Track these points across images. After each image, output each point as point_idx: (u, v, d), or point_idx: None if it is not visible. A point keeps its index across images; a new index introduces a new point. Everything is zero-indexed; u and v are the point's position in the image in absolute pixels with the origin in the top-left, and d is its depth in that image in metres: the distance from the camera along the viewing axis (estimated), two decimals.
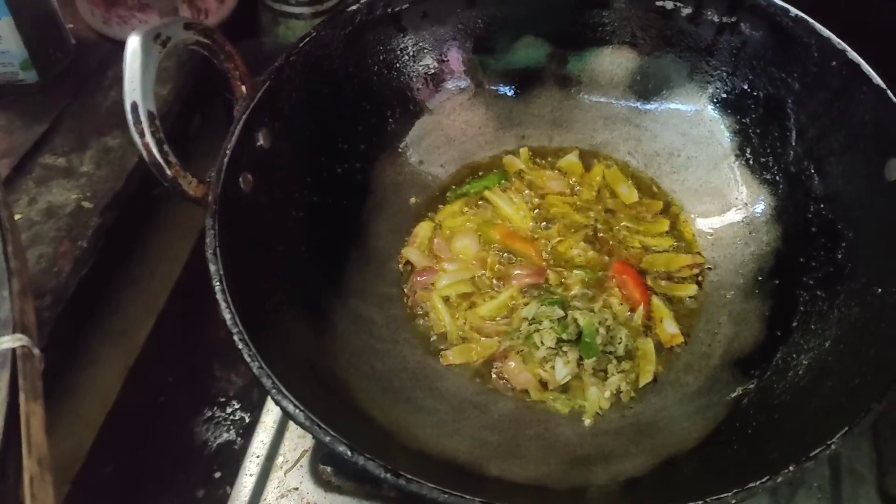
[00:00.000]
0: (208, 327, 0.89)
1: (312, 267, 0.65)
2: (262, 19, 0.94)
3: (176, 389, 0.87)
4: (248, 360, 0.49)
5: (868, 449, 0.66)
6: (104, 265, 0.77)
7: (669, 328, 0.66)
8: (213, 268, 0.53)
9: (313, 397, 0.49)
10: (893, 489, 0.64)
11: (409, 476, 0.45)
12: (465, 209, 0.74)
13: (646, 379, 0.64)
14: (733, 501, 0.44)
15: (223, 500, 0.66)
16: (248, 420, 0.85)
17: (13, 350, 0.41)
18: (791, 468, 0.44)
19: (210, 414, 0.86)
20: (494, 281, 0.70)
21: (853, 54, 0.61)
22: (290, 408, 0.48)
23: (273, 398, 0.48)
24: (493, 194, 0.74)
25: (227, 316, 0.51)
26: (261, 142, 0.62)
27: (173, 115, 0.86)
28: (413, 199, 0.75)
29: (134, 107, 0.53)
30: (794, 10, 0.64)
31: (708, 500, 0.43)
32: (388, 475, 0.45)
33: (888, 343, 0.51)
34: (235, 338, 0.50)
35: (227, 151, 0.58)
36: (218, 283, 0.53)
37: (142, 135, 0.53)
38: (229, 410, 0.86)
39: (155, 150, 0.53)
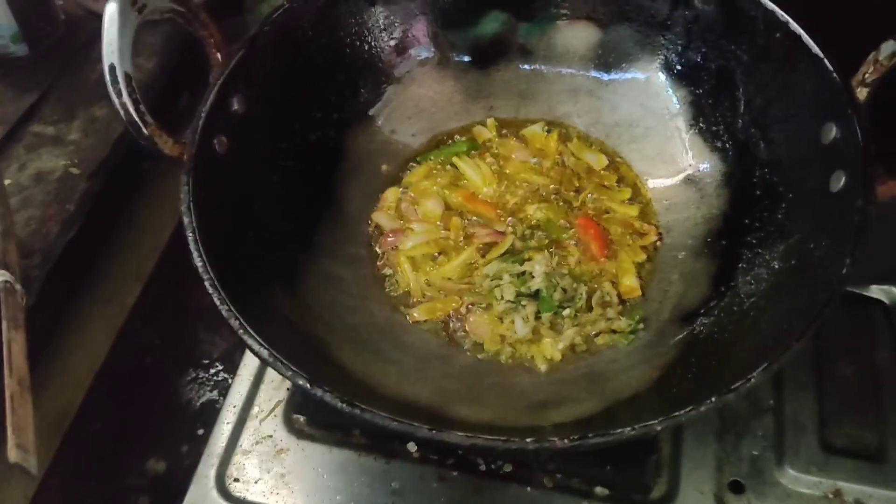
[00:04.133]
0: (194, 294, 0.92)
1: (285, 227, 0.69)
2: None
3: (162, 352, 0.91)
4: (218, 303, 0.53)
5: (811, 402, 0.70)
6: (92, 230, 0.81)
7: (629, 281, 0.70)
8: (186, 220, 0.57)
9: (280, 340, 0.53)
10: (833, 439, 0.68)
11: (363, 406, 0.49)
12: (432, 172, 0.78)
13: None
14: (659, 428, 0.47)
15: None
16: (230, 381, 0.89)
17: None
18: (713, 399, 0.48)
19: (194, 375, 0.89)
20: (458, 242, 0.73)
21: (794, 26, 0.64)
22: (255, 346, 0.51)
23: (240, 336, 0.52)
24: (459, 160, 0.78)
25: (199, 264, 0.55)
26: (235, 107, 0.65)
27: (159, 89, 0.90)
28: (385, 167, 0.78)
29: (112, 68, 0.56)
30: None
31: (636, 426, 0.47)
32: (344, 405, 0.49)
33: (815, 292, 0.54)
34: (206, 283, 0.54)
35: (202, 114, 0.62)
36: (191, 234, 0.56)
37: (119, 94, 0.57)
38: (212, 371, 0.90)
39: (131, 109, 0.57)
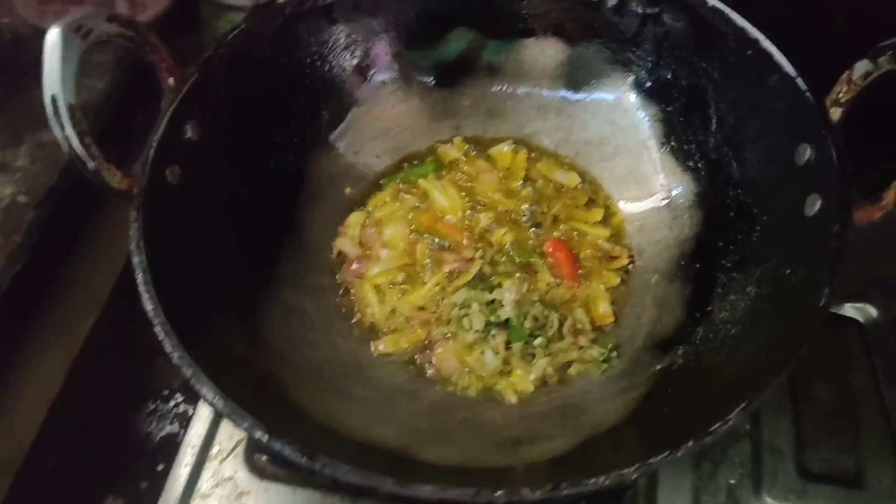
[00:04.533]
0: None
1: (244, 259, 0.66)
2: (201, 13, 0.94)
3: (119, 384, 0.87)
4: (169, 349, 0.50)
5: (788, 425, 0.69)
6: (42, 261, 0.77)
7: (602, 307, 0.68)
8: (136, 260, 0.54)
9: (236, 386, 0.50)
10: (810, 464, 0.67)
11: (324, 459, 0.46)
12: (397, 195, 0.75)
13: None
14: (635, 475, 0.45)
15: None
16: (191, 412, 0.85)
17: None
18: (690, 443, 0.46)
19: (153, 407, 0.86)
20: (425, 268, 0.71)
21: (767, 43, 0.62)
22: (210, 395, 0.48)
23: (193, 385, 0.49)
24: (426, 182, 0.75)
25: (150, 307, 0.52)
26: (189, 134, 0.62)
27: (111, 108, 0.86)
28: (348, 190, 0.76)
29: (53, 99, 0.53)
30: (711, 1, 0.65)
31: (610, 474, 0.45)
32: (304, 459, 0.46)
33: (792, 321, 0.53)
34: (157, 328, 0.51)
35: (153, 144, 0.59)
36: (141, 275, 0.53)
37: (62, 127, 0.53)
38: (172, 403, 0.86)
39: (76, 143, 0.54)
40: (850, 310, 0.75)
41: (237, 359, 0.57)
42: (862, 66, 0.56)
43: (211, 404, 0.48)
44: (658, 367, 0.62)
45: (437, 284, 0.69)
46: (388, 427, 0.59)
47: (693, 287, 0.67)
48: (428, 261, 0.71)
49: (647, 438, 0.55)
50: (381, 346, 0.67)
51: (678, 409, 0.56)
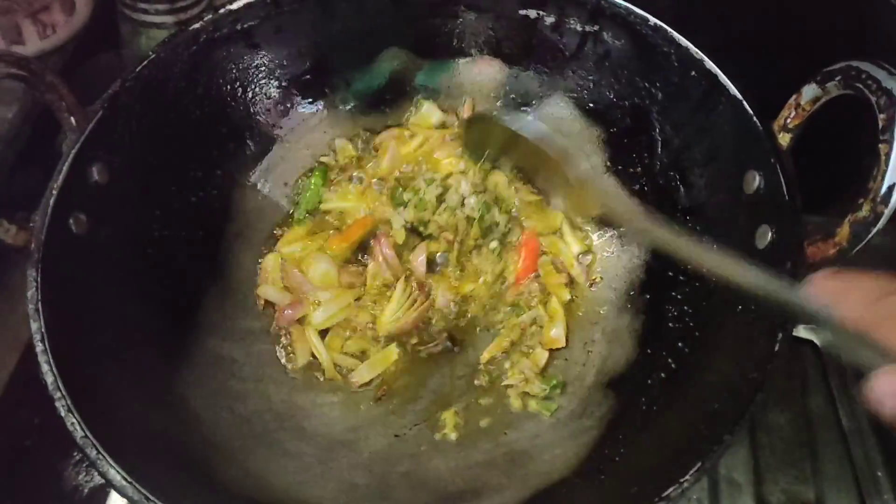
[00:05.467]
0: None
1: (163, 309, 0.61)
2: (121, 31, 0.88)
3: (43, 432, 0.82)
4: (70, 428, 0.46)
5: (745, 456, 0.66)
6: None
7: (556, 329, 0.65)
8: (34, 326, 0.49)
9: (148, 465, 0.46)
10: (769, 496, 0.65)
11: None
12: (312, 231, 0.71)
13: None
14: None
15: None
16: None
17: None
18: None
19: (80, 457, 0.81)
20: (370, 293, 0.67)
21: (710, 64, 0.59)
22: (116, 480, 0.44)
23: (98, 471, 0.45)
24: (327, 201, 0.71)
25: (50, 380, 0.47)
26: (96, 177, 0.57)
27: (23, 138, 0.80)
28: (278, 228, 0.71)
29: None
30: (652, 20, 0.62)
31: None
32: None
33: (746, 367, 0.50)
34: (57, 404, 0.47)
35: (53, 192, 0.54)
36: (40, 344, 0.49)
37: None
38: None
39: None
40: (804, 331, 0.72)
41: (151, 431, 0.52)
42: (810, 91, 0.53)
43: (117, 491, 0.44)
44: (609, 411, 0.59)
45: (374, 276, 0.66)
46: (324, 486, 0.56)
47: (644, 320, 0.64)
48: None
49: (596, 496, 0.52)
50: (362, 375, 0.63)
51: (630, 462, 0.53)
